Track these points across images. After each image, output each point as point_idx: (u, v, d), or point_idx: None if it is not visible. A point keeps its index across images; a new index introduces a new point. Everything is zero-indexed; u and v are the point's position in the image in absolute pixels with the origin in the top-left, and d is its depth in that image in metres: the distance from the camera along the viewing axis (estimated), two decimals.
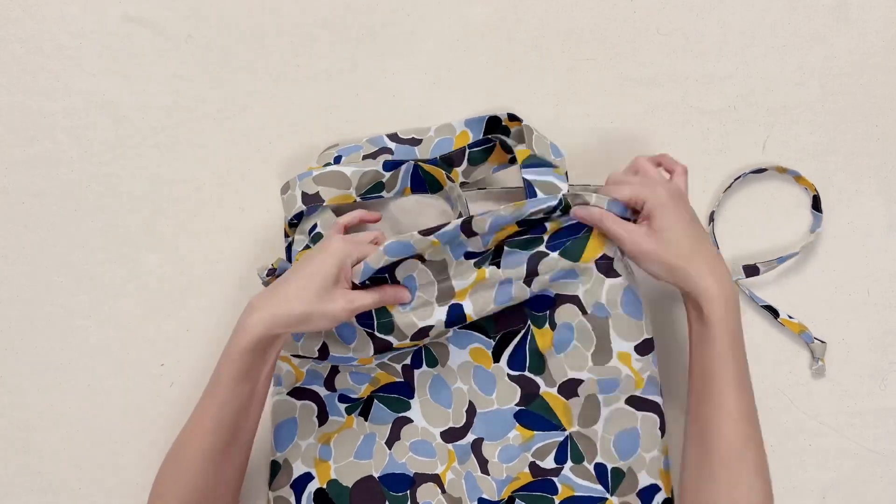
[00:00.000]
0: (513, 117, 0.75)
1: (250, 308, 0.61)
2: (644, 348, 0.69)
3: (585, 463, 0.70)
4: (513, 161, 0.77)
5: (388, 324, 0.67)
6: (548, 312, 0.71)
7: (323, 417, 0.72)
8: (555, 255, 0.68)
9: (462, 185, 0.77)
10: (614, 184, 0.68)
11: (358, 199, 0.73)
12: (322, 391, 0.72)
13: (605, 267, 0.69)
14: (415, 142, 0.77)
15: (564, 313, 0.70)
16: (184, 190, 0.78)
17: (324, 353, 0.69)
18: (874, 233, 0.79)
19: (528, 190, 0.69)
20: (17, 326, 0.77)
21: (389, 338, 0.68)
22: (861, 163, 0.80)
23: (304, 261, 0.63)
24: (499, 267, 0.68)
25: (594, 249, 0.68)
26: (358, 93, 0.79)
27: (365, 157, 0.76)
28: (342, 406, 0.72)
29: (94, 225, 0.78)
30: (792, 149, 0.80)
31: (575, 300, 0.70)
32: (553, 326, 0.70)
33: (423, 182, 0.75)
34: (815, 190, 0.78)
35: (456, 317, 0.68)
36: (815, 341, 0.76)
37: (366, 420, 0.72)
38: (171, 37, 0.79)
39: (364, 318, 0.67)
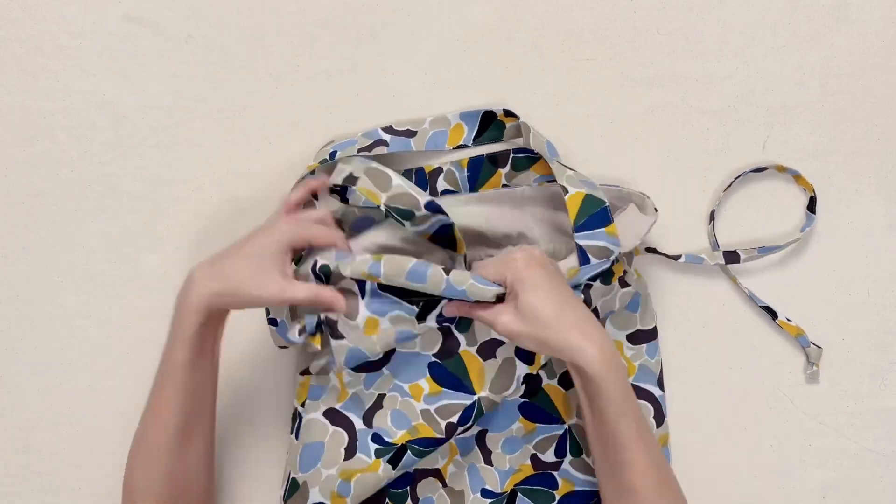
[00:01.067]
0: (508, 113, 0.76)
1: (190, 281, 0.61)
2: (637, 338, 0.71)
3: (584, 456, 0.71)
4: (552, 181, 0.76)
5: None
6: None
7: (351, 452, 0.69)
8: (597, 283, 0.68)
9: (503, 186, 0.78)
10: (480, 264, 0.66)
11: (383, 207, 0.69)
12: (358, 423, 0.69)
13: (622, 280, 0.71)
14: (410, 133, 0.77)
15: None
16: (184, 190, 0.78)
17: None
18: (874, 233, 0.79)
19: (581, 256, 0.67)
20: (17, 326, 0.77)
21: None
22: (861, 163, 0.80)
23: (248, 238, 0.63)
24: None
25: (618, 270, 0.70)
26: (358, 93, 0.79)
27: (360, 150, 0.75)
28: (373, 447, 0.69)
29: (94, 225, 0.78)
30: (792, 149, 0.80)
31: (594, 311, 0.70)
32: None
33: (445, 239, 0.72)
34: (813, 191, 0.78)
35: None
36: (812, 346, 0.76)
37: (394, 469, 0.68)
38: (171, 37, 0.79)
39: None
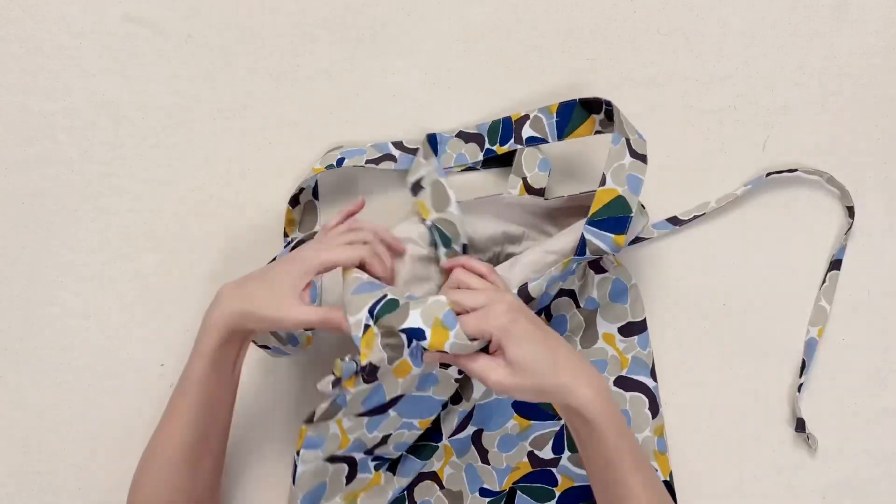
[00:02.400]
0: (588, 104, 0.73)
1: (217, 298, 0.63)
2: (628, 330, 0.72)
3: None
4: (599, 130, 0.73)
5: None
6: (547, 307, 0.72)
7: (352, 476, 0.68)
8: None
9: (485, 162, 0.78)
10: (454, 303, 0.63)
11: (429, 222, 0.70)
12: (360, 456, 0.68)
13: (595, 264, 0.73)
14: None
15: (561, 306, 0.73)
16: (184, 190, 0.78)
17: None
18: (874, 233, 0.79)
19: (581, 248, 0.66)
20: (17, 326, 0.77)
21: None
22: (861, 163, 0.80)
23: (276, 263, 0.65)
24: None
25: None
26: (358, 93, 0.79)
27: (368, 162, 0.75)
28: (372, 464, 0.69)
29: (94, 225, 0.78)
30: (792, 149, 0.80)
31: (571, 294, 0.73)
32: (549, 318, 0.73)
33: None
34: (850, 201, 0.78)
35: None
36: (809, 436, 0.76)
37: (394, 475, 0.70)
38: (171, 37, 0.79)
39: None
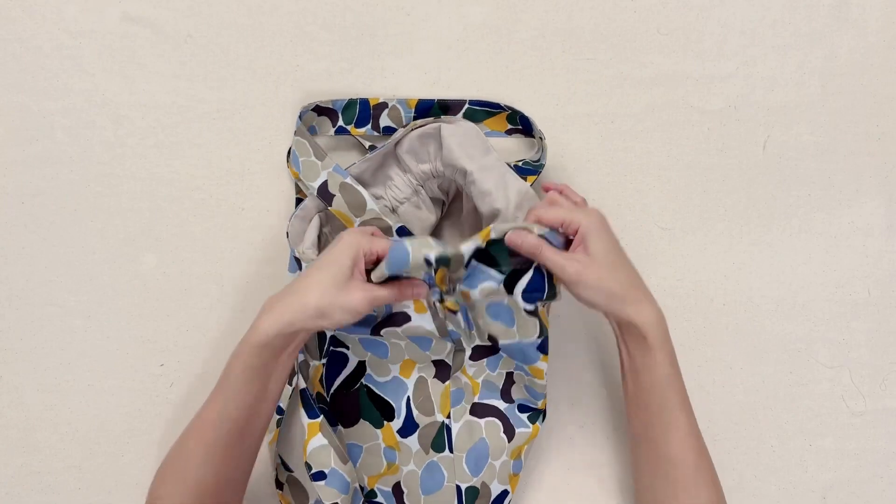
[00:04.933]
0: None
1: (265, 308, 0.59)
2: (478, 353, 0.71)
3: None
4: (510, 132, 0.79)
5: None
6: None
7: None
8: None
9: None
10: (543, 208, 0.64)
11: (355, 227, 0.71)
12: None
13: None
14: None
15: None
16: (183, 190, 0.78)
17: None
18: (874, 233, 0.79)
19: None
20: (17, 326, 0.77)
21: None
22: (861, 163, 0.80)
23: (317, 262, 0.61)
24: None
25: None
26: (358, 93, 0.79)
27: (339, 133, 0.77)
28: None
29: (94, 225, 0.78)
30: (792, 149, 0.80)
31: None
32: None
33: None
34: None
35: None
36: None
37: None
38: (171, 37, 0.79)
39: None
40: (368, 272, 0.62)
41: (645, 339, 0.61)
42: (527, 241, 0.61)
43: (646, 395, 0.62)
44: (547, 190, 0.69)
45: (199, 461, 0.59)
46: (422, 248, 0.60)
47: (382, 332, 0.68)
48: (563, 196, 0.67)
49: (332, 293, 0.58)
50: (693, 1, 0.80)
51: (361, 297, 0.58)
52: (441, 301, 0.66)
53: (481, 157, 0.70)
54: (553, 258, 0.61)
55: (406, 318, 0.67)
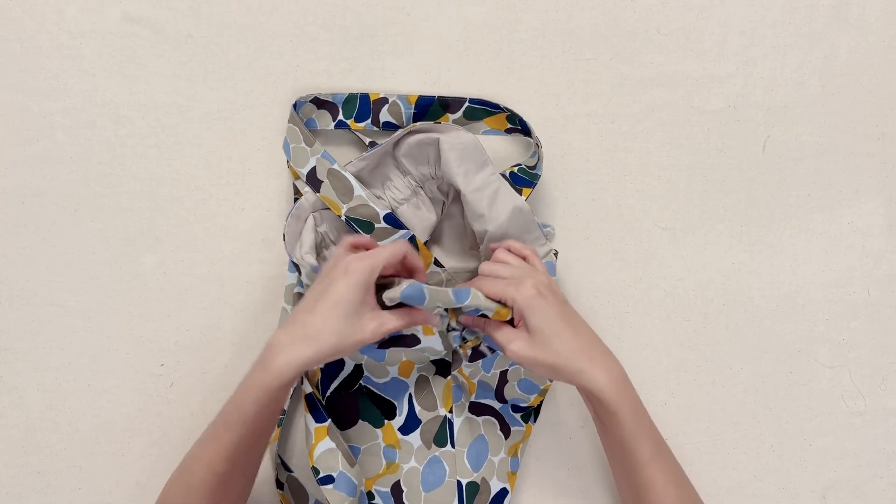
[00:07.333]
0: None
1: (277, 347, 0.58)
2: (475, 355, 0.71)
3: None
4: (510, 131, 0.78)
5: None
6: None
7: None
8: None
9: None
10: (485, 275, 0.65)
11: (343, 217, 0.72)
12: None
13: None
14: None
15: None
16: (184, 190, 0.78)
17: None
18: (874, 233, 0.79)
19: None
20: (17, 326, 0.77)
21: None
22: (861, 163, 0.80)
23: (324, 287, 0.59)
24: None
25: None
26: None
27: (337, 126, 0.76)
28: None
29: (94, 225, 0.78)
30: (792, 149, 0.80)
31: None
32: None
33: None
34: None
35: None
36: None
37: None
38: (171, 37, 0.79)
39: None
40: (379, 286, 0.61)
41: (603, 404, 0.60)
42: (475, 320, 0.64)
43: (618, 450, 0.62)
44: (493, 251, 0.69)
45: (206, 488, 0.59)
46: (436, 300, 0.60)
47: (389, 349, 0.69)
48: (510, 254, 0.67)
49: (347, 332, 0.58)
50: (693, 1, 0.80)
51: (374, 329, 0.59)
52: (449, 330, 0.67)
53: (477, 172, 0.70)
54: (498, 337, 0.62)
55: (415, 340, 0.66)
